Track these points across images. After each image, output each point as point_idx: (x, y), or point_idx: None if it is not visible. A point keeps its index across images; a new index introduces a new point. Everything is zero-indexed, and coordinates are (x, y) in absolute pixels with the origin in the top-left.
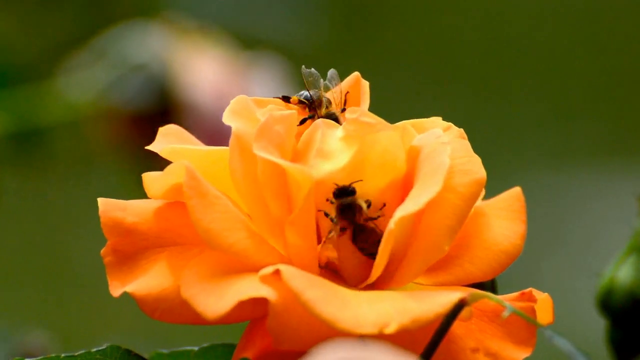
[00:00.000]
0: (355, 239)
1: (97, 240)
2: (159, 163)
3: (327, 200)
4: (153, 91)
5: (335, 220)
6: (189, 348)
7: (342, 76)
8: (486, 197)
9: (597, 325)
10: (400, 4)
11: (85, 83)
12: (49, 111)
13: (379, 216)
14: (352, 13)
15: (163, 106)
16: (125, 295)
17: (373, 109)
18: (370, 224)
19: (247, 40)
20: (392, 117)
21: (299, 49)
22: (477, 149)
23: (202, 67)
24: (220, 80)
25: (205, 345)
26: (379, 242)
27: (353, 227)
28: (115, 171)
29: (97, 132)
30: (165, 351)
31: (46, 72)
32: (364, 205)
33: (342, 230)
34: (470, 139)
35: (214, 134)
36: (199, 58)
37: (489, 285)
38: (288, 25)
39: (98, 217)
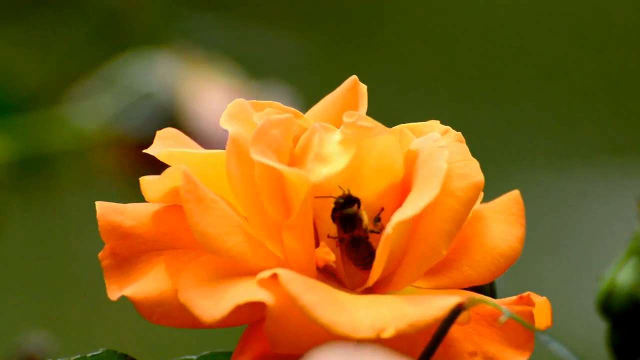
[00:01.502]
0: (348, 252)
1: (98, 244)
2: None
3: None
4: (161, 120)
5: (336, 234)
6: (188, 357)
7: (341, 80)
8: (486, 197)
9: (599, 328)
10: (399, 5)
11: (93, 110)
12: (56, 138)
13: (380, 230)
14: (351, 15)
15: None
16: (125, 298)
17: (374, 111)
18: (368, 236)
19: (255, 69)
20: (392, 118)
21: (300, 62)
22: (477, 149)
23: (210, 96)
24: None
25: (205, 353)
26: (371, 255)
27: (348, 239)
28: (120, 199)
29: (104, 159)
30: None
31: (54, 99)
32: (365, 218)
33: (341, 241)
34: (470, 140)
35: None
36: (207, 87)
37: (488, 288)
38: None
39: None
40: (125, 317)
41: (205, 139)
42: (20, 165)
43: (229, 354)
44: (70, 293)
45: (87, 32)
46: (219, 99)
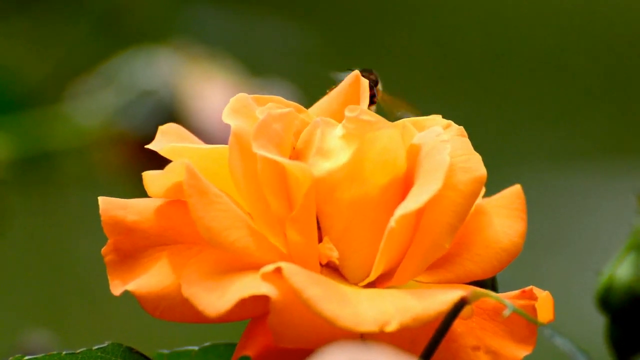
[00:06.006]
0: None
1: (99, 241)
2: None
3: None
4: (162, 117)
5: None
6: (189, 348)
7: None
8: (487, 196)
9: (598, 324)
10: (400, 4)
11: (94, 108)
12: (57, 136)
13: None
14: (352, 14)
15: None
16: (127, 296)
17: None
18: None
19: (256, 66)
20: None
21: (301, 57)
22: (477, 149)
23: (211, 93)
24: None
25: (206, 344)
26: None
27: None
28: (122, 196)
29: (104, 157)
30: (166, 351)
31: (54, 96)
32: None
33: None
34: (471, 139)
35: None
36: (207, 84)
37: (490, 283)
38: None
39: (100, 220)
40: (126, 315)
41: (206, 136)
42: (22, 163)
43: (230, 345)
44: (72, 292)
45: (88, 29)
46: (220, 96)
